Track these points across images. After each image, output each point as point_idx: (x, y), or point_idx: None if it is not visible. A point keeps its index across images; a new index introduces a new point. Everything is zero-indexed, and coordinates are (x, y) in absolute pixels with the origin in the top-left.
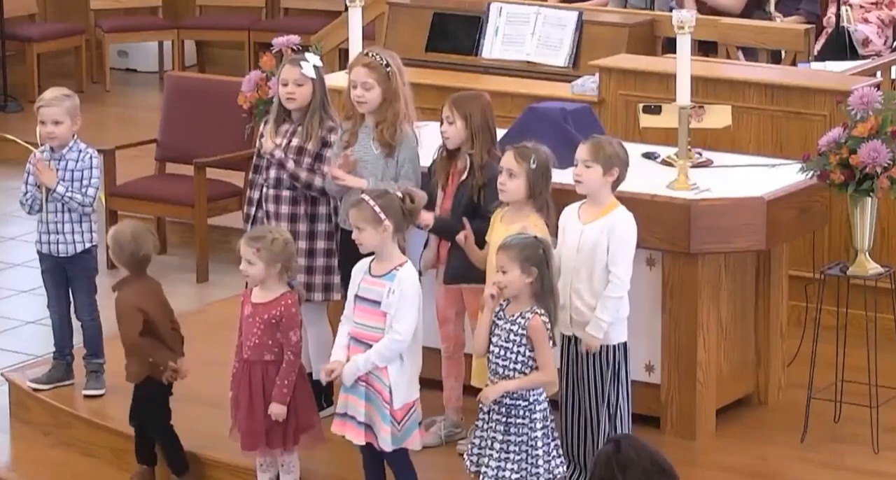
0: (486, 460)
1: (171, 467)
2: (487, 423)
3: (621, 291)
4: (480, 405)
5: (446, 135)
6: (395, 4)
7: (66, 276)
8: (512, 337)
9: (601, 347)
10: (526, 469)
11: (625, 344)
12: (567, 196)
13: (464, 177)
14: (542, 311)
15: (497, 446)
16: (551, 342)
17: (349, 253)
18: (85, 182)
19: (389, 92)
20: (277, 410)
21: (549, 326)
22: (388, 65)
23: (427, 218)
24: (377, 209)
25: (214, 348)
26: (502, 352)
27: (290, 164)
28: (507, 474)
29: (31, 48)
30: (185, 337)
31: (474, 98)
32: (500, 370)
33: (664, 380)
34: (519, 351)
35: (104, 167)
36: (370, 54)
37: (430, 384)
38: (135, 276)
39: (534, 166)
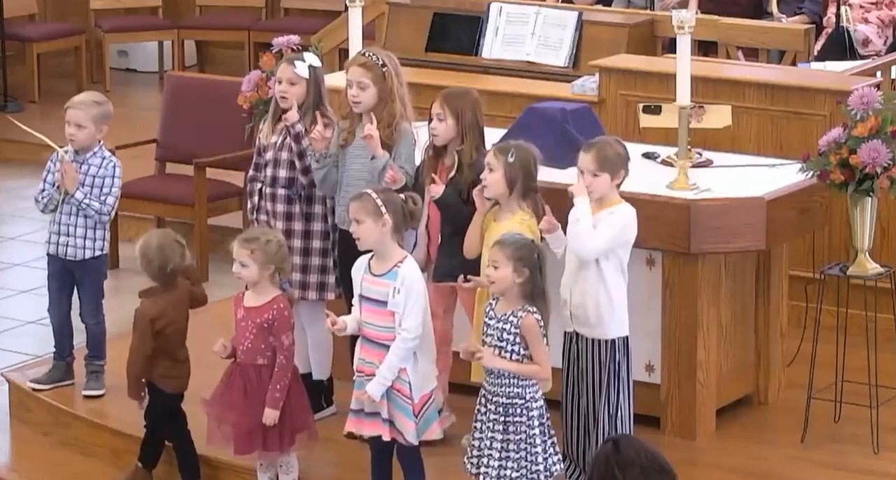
0: (485, 460)
1: (182, 473)
2: (485, 424)
3: (585, 243)
4: (478, 406)
5: (436, 131)
6: (395, 4)
7: (72, 280)
8: (505, 336)
9: (601, 342)
10: (526, 466)
11: (626, 339)
12: (564, 195)
13: (452, 174)
14: (535, 309)
15: (497, 445)
16: (545, 340)
17: (345, 254)
18: (105, 190)
19: (385, 92)
20: (271, 415)
21: (542, 325)
22: (384, 65)
23: (436, 189)
24: (379, 202)
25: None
26: (497, 352)
27: (305, 143)
28: (509, 473)
29: (31, 48)
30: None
31: (465, 95)
32: (496, 369)
33: (664, 380)
34: (513, 350)
35: None
36: (367, 54)
37: None
38: (162, 288)
39: (511, 160)
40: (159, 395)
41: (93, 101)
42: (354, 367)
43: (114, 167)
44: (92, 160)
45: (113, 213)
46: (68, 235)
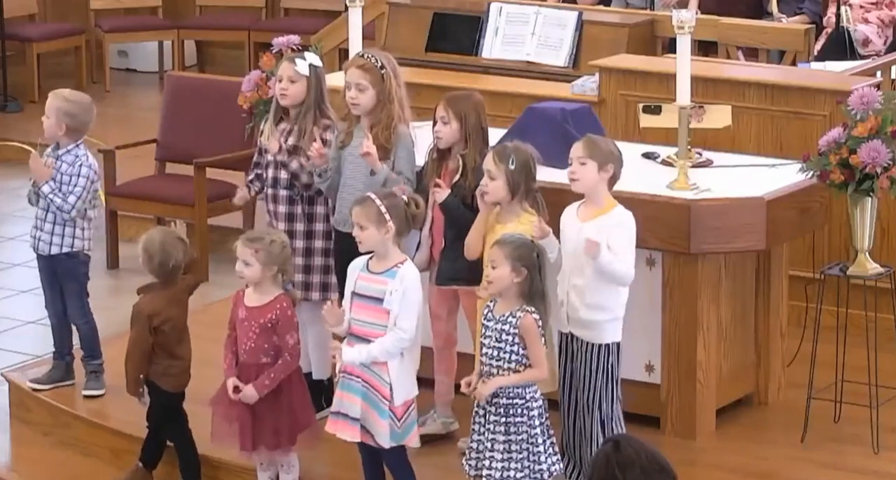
0: (487, 463)
1: (182, 473)
2: (485, 426)
3: (623, 277)
4: (476, 408)
5: (440, 134)
6: (395, 4)
7: (57, 277)
8: (504, 336)
9: (595, 346)
10: (529, 466)
11: (618, 344)
12: (565, 195)
13: (456, 178)
14: (533, 309)
15: (499, 447)
16: (543, 340)
17: (344, 256)
18: (69, 187)
19: (383, 94)
20: (249, 393)
21: (540, 325)
22: (382, 66)
23: (441, 193)
24: (383, 209)
25: (214, 348)
26: (495, 353)
27: (294, 165)
28: (513, 474)
29: (31, 48)
30: None
31: (468, 98)
32: (495, 371)
33: (664, 380)
34: (512, 350)
35: (104, 167)
36: (365, 56)
37: (423, 382)
38: (161, 284)
39: (513, 167)
40: (159, 394)
41: (65, 97)
42: (338, 369)
43: (80, 166)
44: (65, 157)
45: (75, 212)
46: (41, 230)
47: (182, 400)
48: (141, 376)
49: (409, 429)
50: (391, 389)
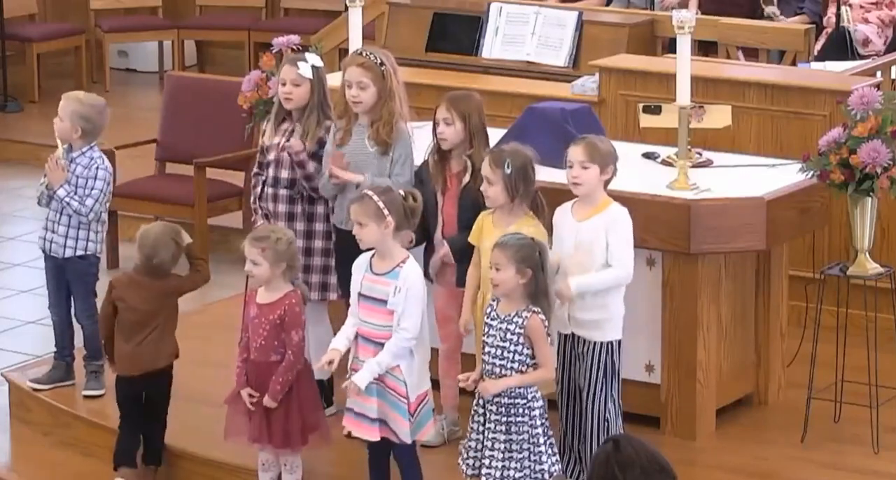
0: (487, 462)
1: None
2: (485, 426)
3: (621, 280)
4: (475, 406)
5: (444, 136)
6: (395, 4)
7: (65, 278)
8: (509, 336)
9: (597, 344)
10: (529, 466)
11: (619, 342)
12: (566, 196)
13: (466, 180)
14: (539, 309)
15: (500, 446)
16: (549, 339)
17: (345, 254)
18: (86, 191)
19: (385, 91)
20: (267, 402)
21: (546, 325)
22: (382, 64)
23: (444, 250)
24: (381, 204)
25: (214, 348)
26: (498, 352)
27: (310, 167)
28: (512, 473)
29: (31, 48)
30: (185, 336)
31: (469, 98)
32: (498, 370)
33: (664, 380)
34: (516, 350)
35: None
36: (364, 54)
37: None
38: (143, 273)
39: (508, 171)
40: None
41: (77, 99)
42: (349, 366)
43: (97, 169)
44: (80, 160)
45: (93, 215)
46: (53, 232)
47: (129, 387)
48: (111, 340)
49: (422, 423)
50: (406, 386)
